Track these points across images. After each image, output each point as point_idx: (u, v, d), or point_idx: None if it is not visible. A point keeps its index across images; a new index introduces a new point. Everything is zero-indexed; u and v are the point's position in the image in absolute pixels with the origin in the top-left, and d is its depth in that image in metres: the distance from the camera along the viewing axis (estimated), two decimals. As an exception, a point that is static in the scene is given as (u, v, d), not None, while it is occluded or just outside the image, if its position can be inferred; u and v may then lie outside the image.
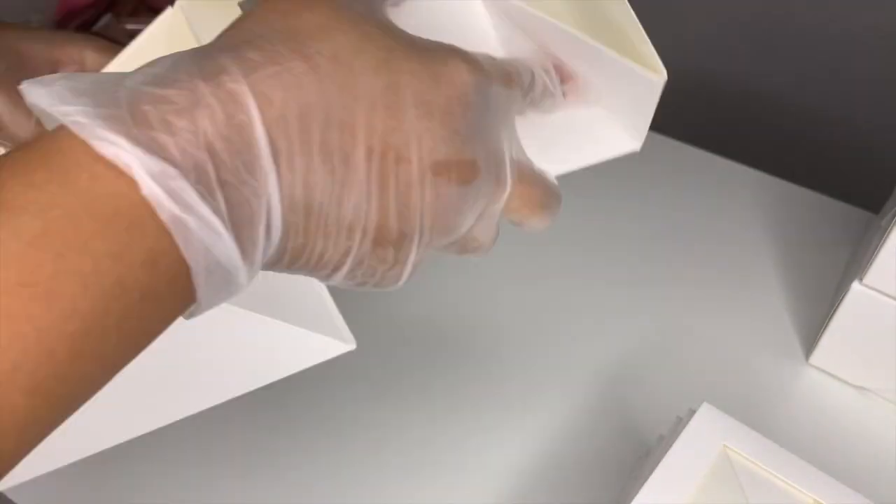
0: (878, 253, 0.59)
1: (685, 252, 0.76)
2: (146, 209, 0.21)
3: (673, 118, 1.44)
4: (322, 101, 0.24)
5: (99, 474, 0.57)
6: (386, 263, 0.28)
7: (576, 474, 0.59)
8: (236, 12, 0.38)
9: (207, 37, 0.34)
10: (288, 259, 0.26)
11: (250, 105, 0.23)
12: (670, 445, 0.47)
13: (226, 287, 0.24)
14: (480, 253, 0.34)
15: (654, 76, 0.42)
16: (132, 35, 0.74)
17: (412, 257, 0.29)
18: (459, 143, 0.27)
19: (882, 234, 0.59)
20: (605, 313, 0.70)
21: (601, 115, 0.45)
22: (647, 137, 0.91)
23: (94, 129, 0.21)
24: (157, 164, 0.21)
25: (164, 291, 0.22)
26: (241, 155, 0.23)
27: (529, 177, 0.33)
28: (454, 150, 0.27)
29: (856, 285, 0.61)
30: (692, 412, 0.50)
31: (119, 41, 0.72)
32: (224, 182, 0.22)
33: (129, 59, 0.46)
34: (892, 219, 0.58)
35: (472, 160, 0.28)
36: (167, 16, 0.46)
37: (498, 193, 0.31)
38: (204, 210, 0.22)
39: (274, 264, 0.26)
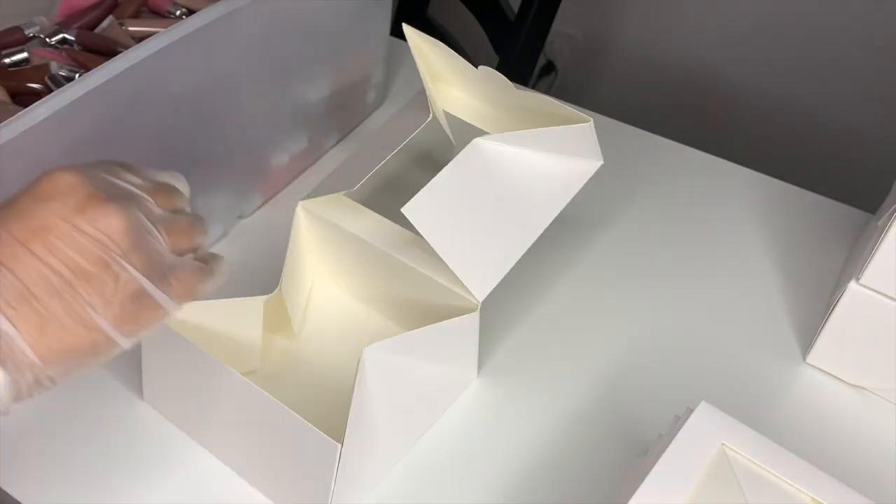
0: (875, 253, 0.59)
1: (683, 252, 0.77)
2: None
3: (673, 119, 1.44)
4: None
5: (98, 473, 0.57)
6: (110, 285, 0.37)
7: (575, 473, 0.59)
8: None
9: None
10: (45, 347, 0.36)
11: None
12: (669, 444, 0.48)
13: None
14: (203, 292, 0.43)
15: (585, 123, 0.61)
16: (134, 37, 0.74)
17: (124, 268, 0.37)
18: (80, 189, 0.37)
19: (879, 235, 0.59)
20: (604, 313, 0.71)
21: (559, 158, 0.61)
22: (648, 138, 0.92)
23: None
24: None
25: None
26: None
27: (175, 224, 0.43)
28: (80, 195, 0.37)
29: (853, 285, 0.61)
30: (690, 411, 0.50)
31: (121, 43, 0.73)
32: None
33: None
34: (889, 219, 0.58)
35: (100, 191, 0.38)
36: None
37: (143, 205, 0.41)
38: None
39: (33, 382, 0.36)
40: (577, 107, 0.92)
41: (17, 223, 0.36)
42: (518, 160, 0.60)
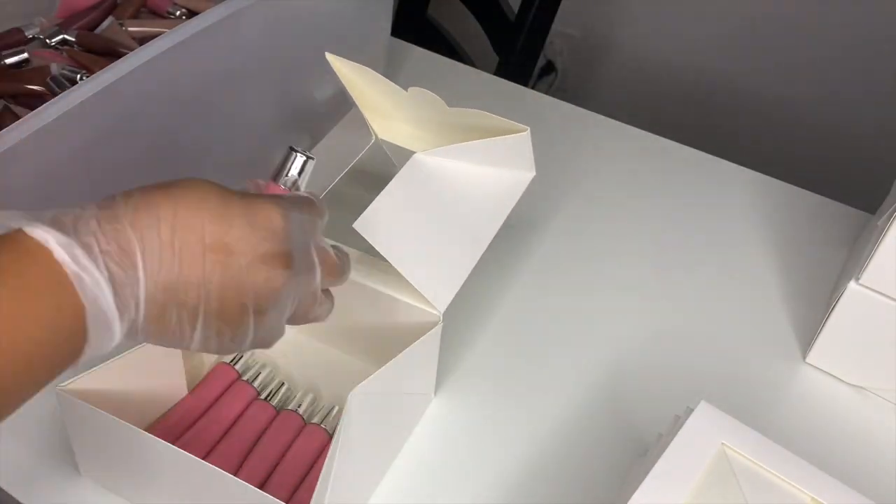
0: (874, 253, 0.59)
1: (683, 252, 0.77)
2: (58, 269, 0.33)
3: (673, 119, 1.44)
4: (173, 216, 0.37)
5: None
6: (231, 331, 0.39)
7: (575, 472, 0.60)
8: None
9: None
10: (154, 328, 0.37)
11: (123, 216, 0.36)
12: (669, 443, 0.48)
13: (107, 334, 0.35)
14: (321, 319, 0.46)
15: (522, 132, 0.60)
16: (134, 38, 0.75)
17: (251, 325, 0.39)
18: (277, 241, 0.39)
19: (879, 235, 0.59)
20: (604, 313, 0.71)
21: (494, 169, 0.62)
22: (648, 138, 0.92)
23: (30, 224, 0.34)
24: (63, 239, 0.34)
25: (66, 327, 0.34)
26: (118, 242, 0.35)
27: (330, 259, 0.45)
28: (273, 246, 0.39)
29: (852, 285, 0.61)
30: (690, 410, 0.50)
31: (121, 44, 0.73)
32: (107, 261, 0.35)
33: None
34: (889, 219, 0.59)
35: (287, 251, 0.40)
36: None
37: (312, 273, 0.43)
38: (94, 271, 0.34)
39: (142, 330, 0.37)
40: (576, 107, 0.92)
41: (218, 225, 0.38)
42: (457, 172, 0.60)
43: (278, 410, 0.58)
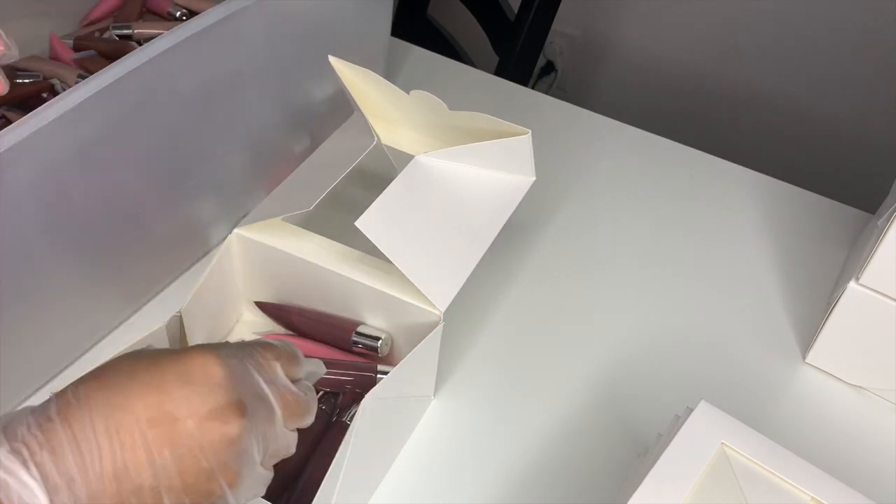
0: (874, 253, 0.59)
1: (683, 252, 0.77)
2: None
3: (672, 118, 1.44)
4: (105, 402, 0.34)
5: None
6: (205, 498, 0.36)
7: (575, 472, 0.60)
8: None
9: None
10: None
11: (56, 414, 0.34)
12: (668, 443, 0.48)
13: None
14: (291, 452, 0.42)
15: (522, 135, 0.60)
16: (135, 39, 0.75)
17: (225, 489, 0.37)
18: (221, 393, 0.37)
19: (879, 234, 0.59)
20: (604, 312, 0.71)
21: (495, 172, 0.62)
22: (648, 138, 0.92)
23: None
24: None
25: None
26: (50, 442, 0.33)
27: (291, 398, 0.41)
28: (219, 398, 0.36)
29: (852, 285, 0.61)
30: (690, 410, 0.50)
31: (117, 46, 0.73)
32: (37, 462, 0.33)
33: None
34: (889, 219, 0.59)
35: (236, 399, 0.37)
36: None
37: (272, 416, 0.40)
38: (23, 475, 0.32)
39: None
40: (576, 107, 0.92)
41: (154, 396, 0.36)
42: (458, 174, 0.61)
43: None
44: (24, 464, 0.33)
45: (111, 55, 0.73)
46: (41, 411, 0.35)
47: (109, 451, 0.34)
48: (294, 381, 0.42)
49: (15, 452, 0.33)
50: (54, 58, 0.75)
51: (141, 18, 0.79)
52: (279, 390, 0.40)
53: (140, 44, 0.73)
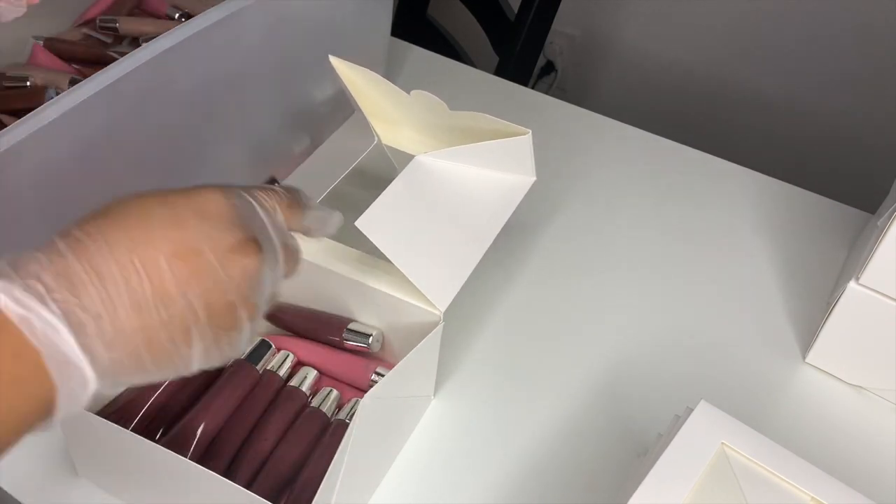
0: (874, 252, 0.59)
1: (683, 252, 0.77)
2: (7, 319, 0.31)
3: (672, 118, 1.44)
4: (124, 236, 0.34)
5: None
6: (228, 335, 0.37)
7: (575, 472, 0.60)
8: None
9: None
10: (146, 357, 0.34)
11: (67, 250, 0.33)
12: (668, 443, 0.48)
13: (78, 379, 0.32)
14: (277, 300, 0.42)
15: (522, 135, 0.59)
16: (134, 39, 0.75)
17: (245, 322, 0.38)
18: (237, 228, 0.37)
19: (879, 234, 0.59)
20: (604, 312, 0.71)
21: (496, 172, 0.62)
22: (648, 138, 0.92)
23: None
24: (5, 286, 0.31)
25: (27, 377, 0.31)
26: (67, 277, 0.32)
27: (290, 241, 0.43)
28: (236, 234, 0.37)
29: (852, 284, 0.61)
30: (690, 410, 0.50)
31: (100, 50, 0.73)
32: (56, 299, 0.32)
33: None
34: (889, 219, 0.59)
35: (251, 236, 0.38)
36: None
37: (275, 258, 0.40)
38: (42, 311, 0.31)
39: (127, 366, 0.34)
40: (576, 107, 0.92)
41: (174, 231, 0.35)
42: (459, 174, 0.61)
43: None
44: (42, 300, 0.31)
45: (86, 60, 0.73)
46: (49, 250, 0.33)
47: (138, 285, 0.33)
48: (292, 230, 0.43)
49: (30, 288, 0.31)
50: (37, 64, 0.74)
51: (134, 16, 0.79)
52: (280, 234, 0.41)
53: (122, 36, 0.73)
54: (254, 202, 0.40)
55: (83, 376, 0.33)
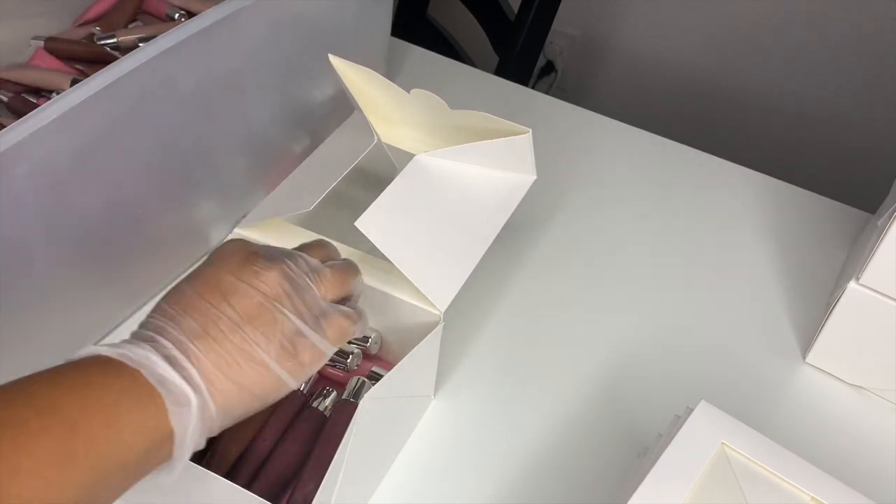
0: (874, 252, 0.59)
1: (683, 252, 0.77)
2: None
3: (672, 118, 1.44)
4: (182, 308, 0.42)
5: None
6: (279, 335, 0.42)
7: (575, 472, 0.60)
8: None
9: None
10: (233, 368, 0.41)
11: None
12: (668, 443, 0.48)
13: (184, 404, 0.38)
14: (357, 333, 0.48)
15: (522, 134, 0.59)
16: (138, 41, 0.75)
17: (287, 313, 0.43)
18: (243, 251, 0.45)
19: (879, 234, 0.59)
20: (604, 313, 0.71)
21: (496, 171, 0.62)
22: (647, 138, 0.92)
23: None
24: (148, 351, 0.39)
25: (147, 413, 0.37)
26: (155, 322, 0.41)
27: (327, 273, 0.47)
28: (243, 255, 0.44)
29: (852, 285, 0.61)
30: (690, 410, 0.50)
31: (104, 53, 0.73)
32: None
33: None
34: (889, 219, 0.59)
35: (257, 249, 0.45)
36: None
37: (307, 286, 0.45)
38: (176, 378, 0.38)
39: (224, 386, 0.40)
40: (576, 107, 0.92)
41: (198, 281, 0.43)
42: (459, 174, 0.61)
43: None
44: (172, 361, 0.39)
45: (87, 59, 0.73)
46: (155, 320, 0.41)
47: (192, 323, 0.41)
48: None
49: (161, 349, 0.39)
50: (39, 65, 0.74)
51: (136, 20, 0.79)
52: (315, 268, 0.46)
53: (123, 49, 0.73)
54: (282, 254, 0.46)
55: (205, 408, 0.39)
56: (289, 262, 0.45)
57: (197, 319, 0.41)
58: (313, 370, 0.44)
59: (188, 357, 0.39)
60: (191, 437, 0.38)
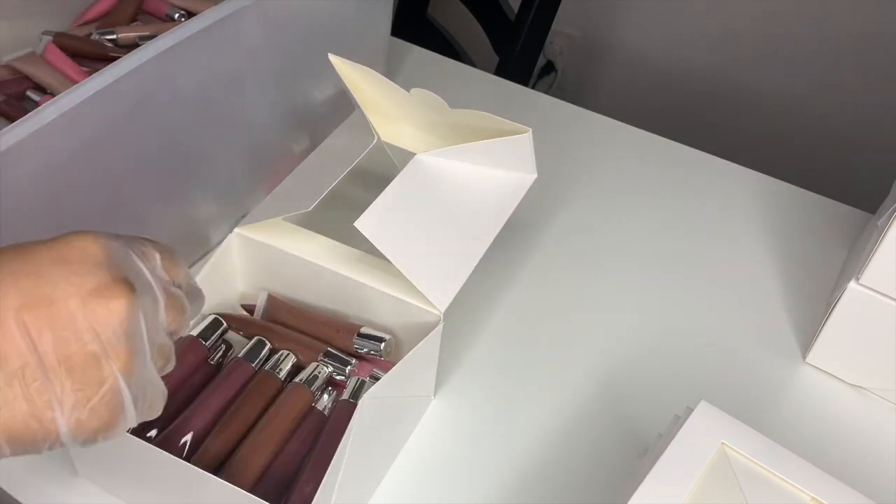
0: (874, 253, 0.59)
1: (683, 252, 0.77)
2: None
3: (672, 118, 1.44)
4: None
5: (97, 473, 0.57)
6: (98, 393, 0.33)
7: (575, 472, 0.60)
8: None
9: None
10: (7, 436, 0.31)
11: None
12: (669, 443, 0.48)
13: None
14: (170, 358, 0.38)
15: (522, 133, 0.59)
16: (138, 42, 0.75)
17: (116, 376, 0.33)
18: (103, 271, 0.33)
19: (879, 234, 0.59)
20: (604, 313, 0.71)
21: (496, 170, 0.62)
22: (648, 138, 0.92)
23: None
24: None
25: None
26: None
27: (171, 290, 0.38)
28: (101, 277, 0.33)
29: (853, 285, 0.61)
30: (690, 410, 0.50)
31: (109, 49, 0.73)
32: None
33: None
34: (889, 219, 0.59)
35: (121, 277, 0.34)
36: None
37: (156, 305, 0.36)
38: None
39: None
40: (576, 107, 0.92)
41: (26, 280, 0.32)
42: (459, 173, 0.61)
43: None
44: None
45: (93, 57, 0.73)
46: None
47: None
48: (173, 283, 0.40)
49: None
50: (48, 62, 0.74)
51: (136, 20, 0.79)
52: (160, 282, 0.38)
53: (121, 46, 0.73)
54: (130, 248, 0.37)
55: None
56: (144, 301, 0.35)
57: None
58: (107, 438, 0.35)
59: None
60: None
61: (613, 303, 0.72)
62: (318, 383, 0.56)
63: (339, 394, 0.57)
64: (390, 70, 0.91)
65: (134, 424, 0.35)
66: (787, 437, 0.52)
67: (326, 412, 0.55)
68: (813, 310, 0.72)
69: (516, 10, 1.16)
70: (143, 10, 0.80)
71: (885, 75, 1.39)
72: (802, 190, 0.84)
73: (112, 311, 0.33)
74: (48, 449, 0.33)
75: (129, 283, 0.34)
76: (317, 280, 0.59)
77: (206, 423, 0.53)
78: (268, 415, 0.53)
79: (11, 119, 0.51)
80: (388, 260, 0.54)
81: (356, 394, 0.55)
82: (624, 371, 0.66)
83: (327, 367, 0.57)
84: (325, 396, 0.56)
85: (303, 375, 0.56)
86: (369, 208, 0.55)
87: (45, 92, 0.71)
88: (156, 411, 0.37)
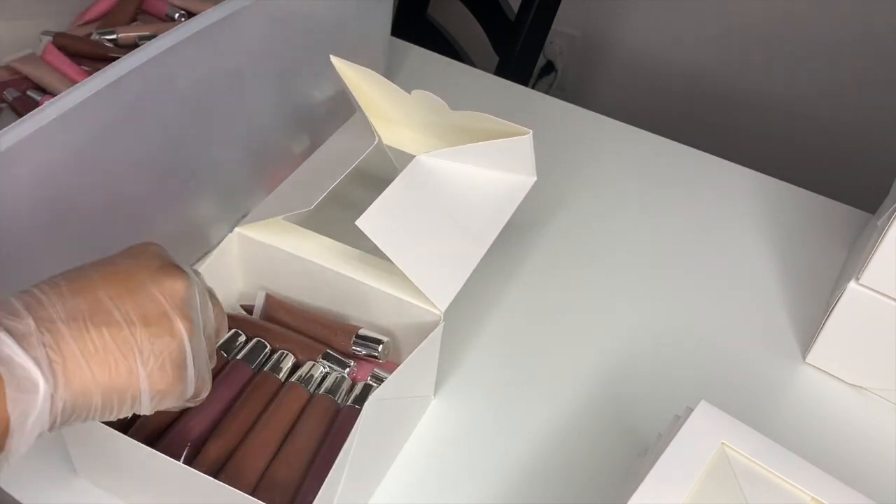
0: (874, 253, 0.59)
1: (683, 252, 0.77)
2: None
3: (672, 118, 1.44)
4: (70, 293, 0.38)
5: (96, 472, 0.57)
6: (168, 350, 0.40)
7: (575, 472, 0.60)
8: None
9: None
10: (93, 361, 0.37)
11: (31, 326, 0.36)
12: (668, 443, 0.48)
13: (27, 385, 0.35)
14: (212, 360, 0.46)
15: (523, 135, 0.60)
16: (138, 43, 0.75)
17: (183, 333, 0.40)
18: (166, 257, 0.42)
19: (879, 234, 0.59)
20: (604, 313, 0.71)
21: (497, 172, 0.63)
22: (648, 138, 0.92)
23: None
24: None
25: None
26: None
27: (217, 303, 0.47)
28: (163, 260, 0.42)
29: (852, 285, 0.61)
30: (690, 410, 0.50)
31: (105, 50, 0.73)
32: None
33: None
34: (889, 219, 0.59)
35: (176, 263, 0.42)
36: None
37: (205, 298, 0.45)
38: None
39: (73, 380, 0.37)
40: (576, 107, 0.92)
41: (107, 269, 0.40)
42: (459, 174, 0.61)
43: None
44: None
45: (93, 57, 0.73)
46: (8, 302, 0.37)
47: (79, 304, 0.38)
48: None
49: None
50: (48, 62, 0.74)
51: (136, 20, 0.79)
52: (205, 286, 0.46)
53: (121, 46, 0.73)
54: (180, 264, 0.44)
55: (55, 397, 0.36)
56: (199, 284, 0.43)
57: (88, 304, 0.38)
58: (168, 405, 0.42)
59: (54, 338, 0.36)
60: (32, 427, 0.35)
61: (613, 303, 0.72)
62: (314, 382, 0.56)
63: (299, 362, 0.57)
64: (390, 70, 0.91)
65: (189, 394, 0.42)
66: (787, 437, 0.52)
67: (282, 378, 0.56)
68: (813, 310, 0.72)
69: (516, 10, 1.16)
70: (143, 10, 0.80)
71: (885, 76, 1.39)
72: (802, 190, 0.84)
73: (175, 283, 0.41)
74: (129, 406, 0.39)
75: (181, 268, 0.42)
76: (317, 279, 0.59)
77: (207, 425, 0.53)
78: (266, 415, 0.53)
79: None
80: (388, 260, 0.54)
81: (360, 398, 0.55)
82: (623, 371, 0.66)
83: (324, 366, 0.57)
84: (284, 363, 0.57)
85: (300, 374, 0.56)
86: (370, 207, 0.55)
87: (45, 92, 0.71)
88: (205, 391, 0.44)
